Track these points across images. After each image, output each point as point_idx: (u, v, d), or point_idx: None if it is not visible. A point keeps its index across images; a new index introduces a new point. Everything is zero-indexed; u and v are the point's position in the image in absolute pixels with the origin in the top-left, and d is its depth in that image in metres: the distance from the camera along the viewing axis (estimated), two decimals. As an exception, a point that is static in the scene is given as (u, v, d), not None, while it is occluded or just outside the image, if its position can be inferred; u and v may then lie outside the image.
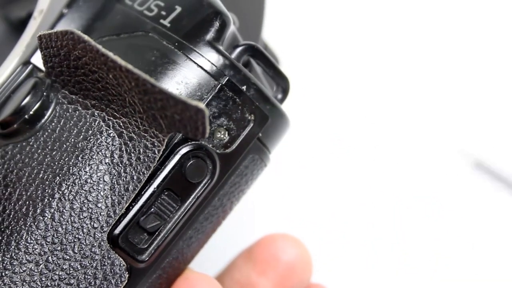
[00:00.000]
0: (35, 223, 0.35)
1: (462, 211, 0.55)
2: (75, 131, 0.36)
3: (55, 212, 0.35)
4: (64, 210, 0.35)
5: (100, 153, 0.36)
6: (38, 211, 0.35)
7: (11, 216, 0.36)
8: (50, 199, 0.35)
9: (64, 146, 0.36)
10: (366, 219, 0.54)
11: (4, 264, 0.35)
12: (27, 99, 0.36)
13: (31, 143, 0.36)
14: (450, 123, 0.57)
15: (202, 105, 0.32)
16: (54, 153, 0.36)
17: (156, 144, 0.35)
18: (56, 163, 0.36)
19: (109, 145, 0.36)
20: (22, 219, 0.35)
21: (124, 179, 0.36)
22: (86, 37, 0.35)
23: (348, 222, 0.54)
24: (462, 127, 0.57)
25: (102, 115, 0.36)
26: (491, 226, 0.54)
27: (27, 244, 0.35)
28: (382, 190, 0.55)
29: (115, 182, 0.36)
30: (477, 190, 0.55)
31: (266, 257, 0.41)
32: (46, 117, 0.37)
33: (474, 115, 0.57)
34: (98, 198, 0.35)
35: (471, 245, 0.54)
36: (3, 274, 0.35)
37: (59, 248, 0.35)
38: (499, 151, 0.55)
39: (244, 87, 0.37)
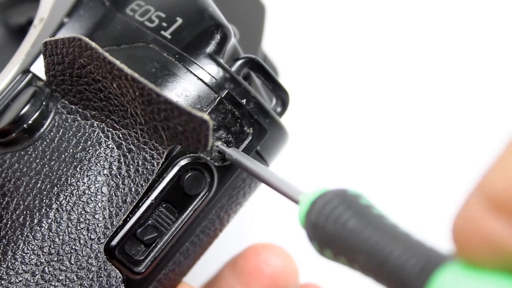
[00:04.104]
0: (32, 233, 0.35)
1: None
2: (73, 142, 0.36)
3: (52, 222, 0.35)
4: (61, 221, 0.35)
5: (98, 164, 0.36)
6: (35, 221, 0.35)
7: (8, 225, 0.35)
8: (48, 209, 0.35)
9: (63, 156, 0.36)
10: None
11: (0, 274, 0.35)
12: (26, 108, 0.36)
13: (29, 152, 0.36)
14: (447, 129, 0.57)
15: (207, 116, 0.32)
16: (52, 163, 0.36)
17: (155, 156, 0.35)
18: (54, 173, 0.36)
19: (107, 157, 0.36)
20: (19, 229, 0.35)
21: (122, 190, 0.36)
22: (93, 44, 0.35)
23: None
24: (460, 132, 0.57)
25: (101, 126, 0.36)
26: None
27: (24, 254, 0.35)
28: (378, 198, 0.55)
29: (113, 194, 0.35)
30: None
31: (249, 269, 0.40)
32: (45, 126, 0.37)
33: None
34: (96, 209, 0.35)
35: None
36: None
37: (55, 258, 0.35)
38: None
39: (244, 101, 0.37)
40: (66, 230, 0.35)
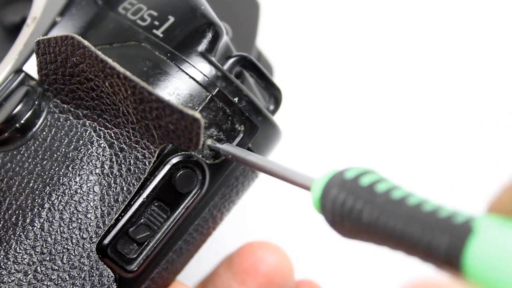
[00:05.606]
0: (24, 233, 0.35)
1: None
2: (66, 141, 0.36)
3: (45, 222, 0.35)
4: (53, 220, 0.35)
5: (90, 163, 0.36)
6: (28, 220, 0.35)
7: (0, 225, 0.36)
8: (40, 208, 0.35)
9: (55, 155, 0.36)
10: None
11: None
12: (19, 107, 0.37)
13: (21, 152, 0.36)
14: (443, 133, 0.57)
15: (198, 114, 0.32)
16: (44, 162, 0.36)
17: (147, 155, 0.35)
18: (47, 173, 0.36)
19: (99, 156, 0.36)
20: (11, 229, 0.35)
21: (114, 190, 0.36)
22: (86, 43, 0.35)
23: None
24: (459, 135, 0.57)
25: (93, 125, 0.36)
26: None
27: (16, 254, 0.35)
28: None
29: (105, 193, 0.36)
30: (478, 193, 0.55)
31: (245, 267, 0.41)
32: (37, 126, 0.37)
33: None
34: (88, 208, 0.35)
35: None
36: None
37: (48, 258, 0.35)
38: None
39: (235, 99, 0.37)
40: (58, 230, 0.35)
